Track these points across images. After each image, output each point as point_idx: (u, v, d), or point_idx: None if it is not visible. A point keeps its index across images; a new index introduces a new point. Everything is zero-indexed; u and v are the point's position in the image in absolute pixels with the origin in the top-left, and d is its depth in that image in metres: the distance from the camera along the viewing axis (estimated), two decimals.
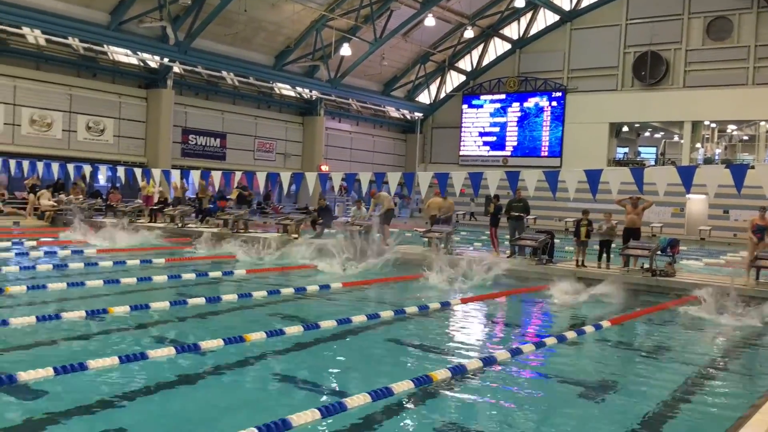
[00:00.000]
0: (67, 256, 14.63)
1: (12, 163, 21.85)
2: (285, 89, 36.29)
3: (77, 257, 14.59)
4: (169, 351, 6.91)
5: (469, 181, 15.33)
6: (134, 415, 5.24)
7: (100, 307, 8.98)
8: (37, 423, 4.88)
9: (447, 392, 6.19)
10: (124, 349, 7.09)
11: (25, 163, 21.95)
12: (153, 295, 10.48)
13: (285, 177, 19.29)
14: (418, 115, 43.10)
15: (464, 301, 11.24)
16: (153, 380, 6.10)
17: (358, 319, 9.11)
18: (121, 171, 22.45)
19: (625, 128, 39.41)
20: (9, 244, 16.44)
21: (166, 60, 29.01)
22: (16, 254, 14.56)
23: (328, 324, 8.67)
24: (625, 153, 40.96)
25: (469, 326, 9.88)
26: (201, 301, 9.89)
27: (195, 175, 21.87)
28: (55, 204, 23.47)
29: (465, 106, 41.58)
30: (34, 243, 16.83)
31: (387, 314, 9.55)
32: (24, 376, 5.72)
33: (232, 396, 5.93)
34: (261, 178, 19.66)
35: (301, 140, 37.44)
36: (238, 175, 20.87)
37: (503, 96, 40.23)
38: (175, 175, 22.30)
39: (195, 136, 32.12)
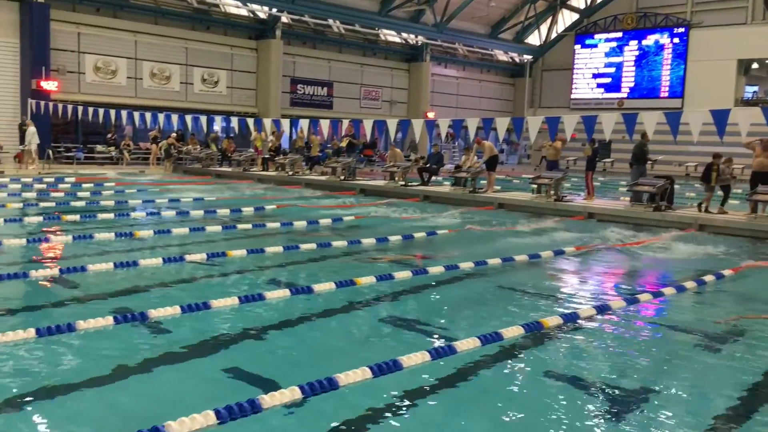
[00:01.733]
0: (188, 203, 15.44)
1: (136, 115, 23.12)
2: (390, 35, 35.99)
3: (198, 204, 15.36)
4: (284, 293, 7.19)
5: (582, 125, 14.72)
6: (253, 352, 5.51)
7: (219, 250, 9.45)
8: (167, 357, 5.24)
9: (558, 339, 6.09)
10: (242, 290, 7.44)
11: (148, 115, 23.17)
12: (267, 240, 10.90)
13: (391, 124, 19.28)
14: (527, 57, 41.62)
15: (578, 249, 10.93)
16: (270, 320, 6.37)
17: (466, 265, 9.07)
18: (234, 121, 23.24)
19: (755, 65, 36.30)
20: (135, 191, 17.57)
21: (274, 10, 29.46)
22: (143, 201, 15.52)
23: (436, 270, 8.71)
24: (754, 92, 37.89)
25: (582, 275, 9.62)
26: (312, 246, 10.18)
27: (303, 124, 22.28)
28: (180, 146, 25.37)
29: (578, 47, 39.72)
30: (158, 189, 17.91)
31: (495, 262, 9.45)
32: (154, 313, 6.13)
33: (343, 337, 6.10)
34: (368, 125, 19.77)
35: (406, 87, 37.22)
36: (345, 123, 21.08)
37: (620, 34, 38.05)
38: (267, 125, 22.82)
39: (303, 86, 32.66)
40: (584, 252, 10.86)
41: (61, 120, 24.66)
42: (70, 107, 23.06)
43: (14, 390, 4.46)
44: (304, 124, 21.42)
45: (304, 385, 4.44)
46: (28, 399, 4.34)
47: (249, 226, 12.11)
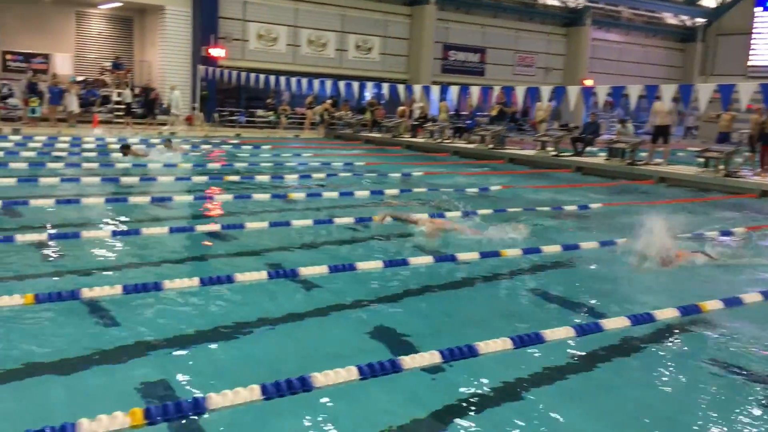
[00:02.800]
0: (338, 168, 15.93)
1: (293, 81, 24.07)
2: None
3: (348, 168, 15.81)
4: (426, 260, 7.23)
5: (760, 95, 13.39)
6: (395, 314, 5.59)
7: (366, 215, 9.66)
8: (314, 312, 5.47)
9: (717, 324, 5.64)
10: (386, 254, 7.58)
11: (304, 81, 24.03)
12: (413, 207, 10.98)
13: (545, 92, 18.61)
14: (699, 21, 38.39)
15: (749, 228, 10.03)
16: (412, 285, 6.45)
17: (622, 241, 8.60)
18: (385, 88, 23.52)
19: None
20: (290, 155, 18.39)
21: None
22: (297, 164, 16.21)
23: (587, 245, 8.34)
24: None
25: (747, 258, 8.80)
26: (457, 214, 10.12)
27: (453, 91, 22.08)
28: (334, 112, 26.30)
29: (759, 9, 36.00)
30: (311, 153, 18.65)
31: None
32: (304, 271, 6.40)
33: (485, 306, 6.05)
34: (519, 93, 19.24)
35: (563, 53, 35.75)
36: (496, 90, 20.63)
37: None
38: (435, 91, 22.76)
39: (455, 52, 32.37)
40: (754, 232, 9.94)
41: (226, 85, 26.28)
42: (234, 73, 24.47)
43: (173, 332, 4.84)
44: (454, 90, 21.21)
45: (444, 350, 4.45)
46: (184, 342, 4.70)
47: (396, 191, 12.27)
